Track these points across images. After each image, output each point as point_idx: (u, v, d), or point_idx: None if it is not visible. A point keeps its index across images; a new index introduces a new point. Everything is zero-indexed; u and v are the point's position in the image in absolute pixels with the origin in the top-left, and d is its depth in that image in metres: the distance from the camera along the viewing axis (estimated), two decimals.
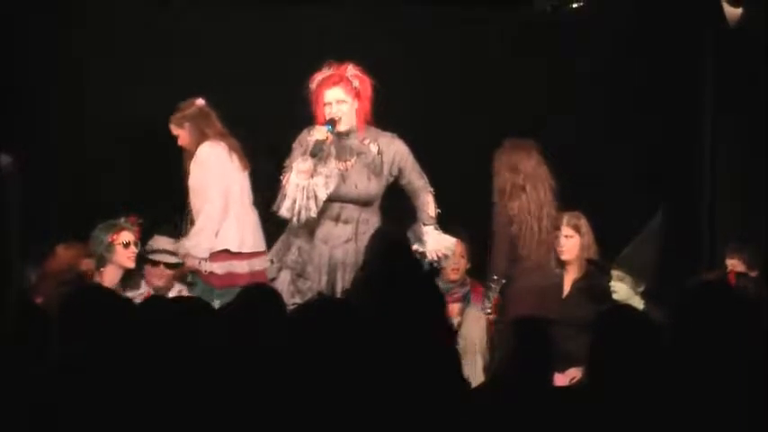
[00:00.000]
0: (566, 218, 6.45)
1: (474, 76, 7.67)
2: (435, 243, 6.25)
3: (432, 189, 6.30)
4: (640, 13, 7.52)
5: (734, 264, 6.55)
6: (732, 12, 6.86)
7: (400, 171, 6.23)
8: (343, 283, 6.06)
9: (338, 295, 5.89)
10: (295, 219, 6.01)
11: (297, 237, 6.16)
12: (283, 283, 6.09)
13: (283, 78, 6.79)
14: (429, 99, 7.54)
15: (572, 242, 6.42)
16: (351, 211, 6.16)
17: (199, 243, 6.21)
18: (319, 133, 6.03)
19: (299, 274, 6.15)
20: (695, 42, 7.59)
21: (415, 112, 7.32)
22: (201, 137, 6.39)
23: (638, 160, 7.75)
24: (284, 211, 6.01)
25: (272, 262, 6.26)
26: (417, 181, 6.29)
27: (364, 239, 6.01)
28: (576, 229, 6.42)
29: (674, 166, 7.76)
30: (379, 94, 6.27)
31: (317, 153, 5.99)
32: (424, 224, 6.27)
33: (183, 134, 6.47)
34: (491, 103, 7.58)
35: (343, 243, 6.13)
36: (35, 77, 7.20)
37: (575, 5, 7.21)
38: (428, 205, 6.30)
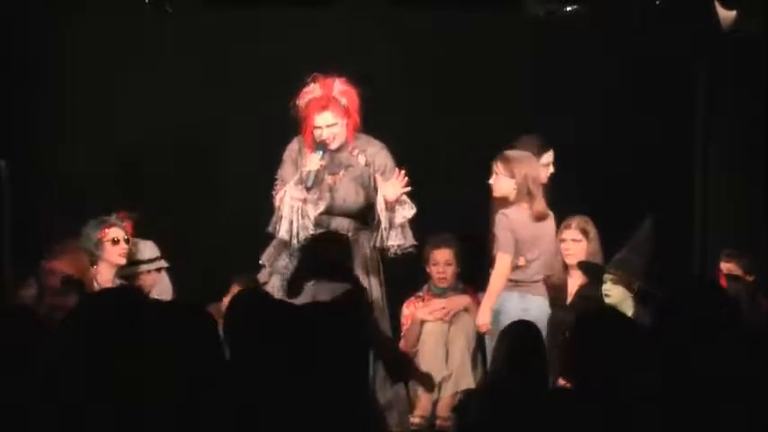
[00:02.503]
0: (575, 221, 6.39)
1: (469, 78, 7.66)
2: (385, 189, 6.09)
3: None
4: (632, 15, 7.52)
5: (730, 268, 6.52)
6: (726, 14, 6.86)
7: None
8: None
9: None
10: (294, 240, 6.07)
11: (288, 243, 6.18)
12: (273, 288, 6.09)
13: (278, 82, 6.81)
14: (423, 102, 7.53)
15: (579, 246, 6.34)
16: (341, 221, 6.21)
17: None
18: (313, 163, 6.08)
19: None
20: (688, 44, 7.58)
21: (410, 116, 7.32)
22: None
23: (631, 162, 7.74)
24: (283, 233, 6.07)
25: (263, 266, 6.27)
26: None
27: (355, 248, 6.10)
28: (585, 233, 6.35)
29: (666, 168, 7.75)
30: (373, 99, 6.26)
31: (314, 183, 6.03)
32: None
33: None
34: (487, 106, 7.57)
35: None
36: (31, 83, 7.20)
37: (569, 9, 7.20)
38: None
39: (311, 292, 5.58)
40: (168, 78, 7.32)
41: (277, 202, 6.14)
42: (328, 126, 6.13)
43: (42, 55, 7.26)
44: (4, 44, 7.06)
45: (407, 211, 6.14)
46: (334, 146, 6.16)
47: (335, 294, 5.29)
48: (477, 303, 6.46)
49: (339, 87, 6.18)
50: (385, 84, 6.98)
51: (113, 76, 7.31)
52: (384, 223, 6.09)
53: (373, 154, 6.23)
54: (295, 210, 6.04)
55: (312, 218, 6.07)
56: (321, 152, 6.08)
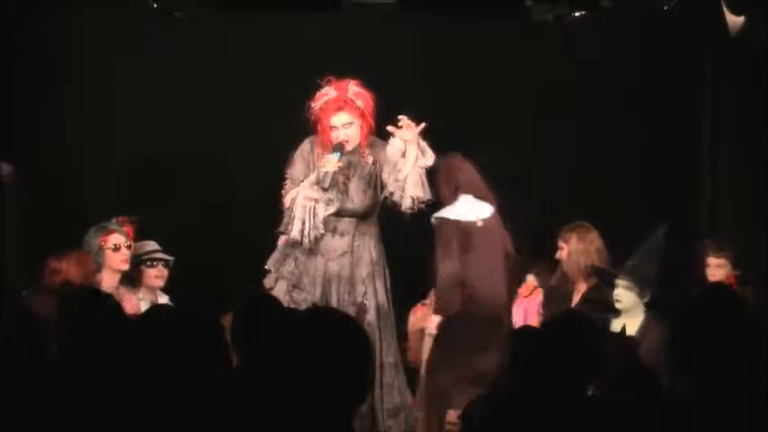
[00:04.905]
0: (564, 228, 6.41)
1: (475, 82, 7.68)
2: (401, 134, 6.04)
3: None
4: (641, 17, 7.54)
5: (719, 264, 6.49)
6: (734, 20, 6.86)
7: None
8: (337, 295, 6.11)
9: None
10: (306, 240, 6.06)
11: (294, 248, 6.17)
12: (279, 294, 6.08)
13: (285, 86, 6.81)
14: (429, 106, 7.52)
15: (563, 254, 6.38)
16: (347, 224, 6.19)
17: None
18: (330, 165, 6.05)
19: (295, 285, 6.17)
20: (694, 45, 7.59)
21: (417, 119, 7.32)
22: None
23: (638, 164, 7.74)
24: (296, 233, 6.06)
25: (269, 272, 6.26)
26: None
27: (360, 252, 6.15)
28: (565, 240, 6.37)
29: (673, 170, 7.75)
30: (383, 102, 6.27)
31: (331, 185, 6.03)
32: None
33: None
34: (490, 110, 7.58)
35: (339, 256, 6.16)
36: (34, 88, 7.21)
37: (576, 14, 7.23)
38: None
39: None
40: (173, 82, 7.34)
41: (288, 202, 6.12)
42: (344, 126, 6.14)
43: (45, 59, 7.26)
44: (7, 44, 7.07)
45: (429, 159, 6.10)
46: (349, 147, 6.16)
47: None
48: None
49: (354, 89, 6.18)
50: (394, 86, 6.98)
51: (119, 79, 7.33)
52: (402, 174, 6.03)
53: (377, 151, 6.23)
54: (308, 210, 6.04)
55: (321, 218, 6.08)
56: (339, 154, 6.08)
